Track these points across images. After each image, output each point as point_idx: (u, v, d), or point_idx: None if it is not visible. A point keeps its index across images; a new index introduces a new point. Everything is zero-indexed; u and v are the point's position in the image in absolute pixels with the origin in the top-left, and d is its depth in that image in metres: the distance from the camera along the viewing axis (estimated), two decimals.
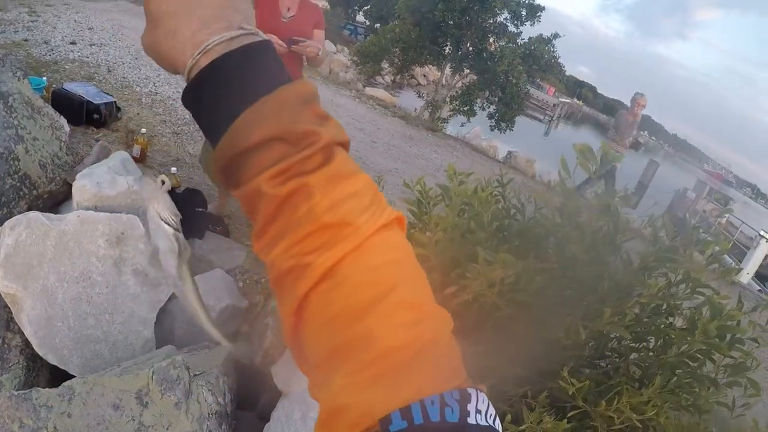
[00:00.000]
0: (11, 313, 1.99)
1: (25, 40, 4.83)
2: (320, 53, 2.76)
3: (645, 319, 1.54)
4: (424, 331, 0.33)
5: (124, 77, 4.57)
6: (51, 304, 1.84)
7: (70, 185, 2.66)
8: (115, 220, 1.95)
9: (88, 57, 4.68)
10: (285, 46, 2.59)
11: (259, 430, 1.69)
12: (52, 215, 1.99)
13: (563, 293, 1.55)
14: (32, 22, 5.71)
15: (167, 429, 1.51)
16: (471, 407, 0.30)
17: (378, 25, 19.26)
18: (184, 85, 0.38)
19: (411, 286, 0.35)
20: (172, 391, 1.56)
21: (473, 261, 1.48)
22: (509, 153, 10.76)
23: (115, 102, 3.56)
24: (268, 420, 1.72)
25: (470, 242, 1.60)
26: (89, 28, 5.54)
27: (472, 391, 0.31)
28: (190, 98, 0.38)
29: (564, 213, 1.61)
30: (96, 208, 2.00)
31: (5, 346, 1.94)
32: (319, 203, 0.33)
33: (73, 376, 1.80)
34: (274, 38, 2.66)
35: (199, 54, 0.36)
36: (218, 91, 0.36)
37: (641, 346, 1.60)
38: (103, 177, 2.11)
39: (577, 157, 1.59)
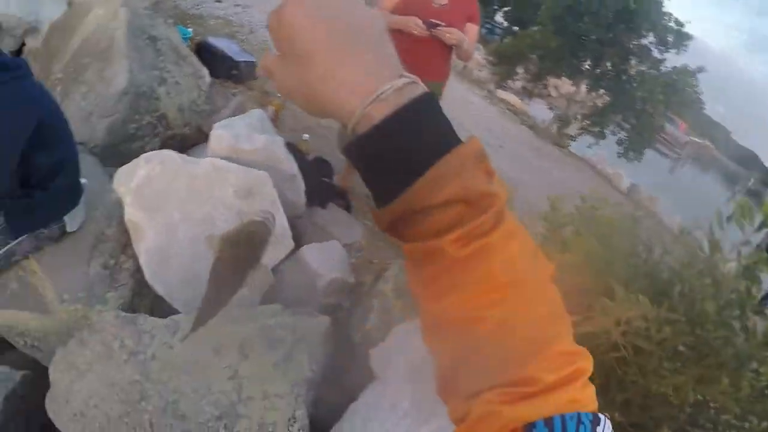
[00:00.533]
0: (130, 239, 2.31)
1: None
2: (465, 45, 2.88)
3: (757, 398, 1.57)
4: (575, 370, 0.41)
5: (264, 40, 5.08)
6: (170, 239, 2.07)
7: (202, 132, 3.01)
8: (246, 174, 2.16)
9: (232, 16, 5.28)
10: (425, 28, 2.73)
11: (341, 406, 1.80)
12: (186, 157, 2.25)
13: (685, 349, 1.64)
14: None
15: (261, 384, 1.66)
16: (599, 429, 0.39)
17: (516, 28, 19.47)
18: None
19: (567, 333, 0.43)
20: (275, 350, 1.70)
21: (605, 294, 1.60)
22: (632, 185, 10.62)
23: (254, 62, 3.95)
24: (353, 398, 1.83)
25: (604, 274, 1.71)
26: None
27: (602, 416, 0.40)
28: (358, 151, 0.41)
29: (701, 265, 1.67)
30: (230, 159, 2.26)
31: (117, 266, 2.22)
32: (495, 264, 0.40)
33: (175, 311, 2.01)
34: (415, 20, 2.83)
35: (370, 105, 0.39)
36: (397, 148, 0.39)
37: (744, 425, 1.62)
38: (242, 131, 2.37)
39: (735, 212, 1.60)
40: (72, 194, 2.22)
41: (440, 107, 0.41)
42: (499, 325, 0.40)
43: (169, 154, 2.17)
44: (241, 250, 1.21)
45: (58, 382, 1.89)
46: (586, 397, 0.41)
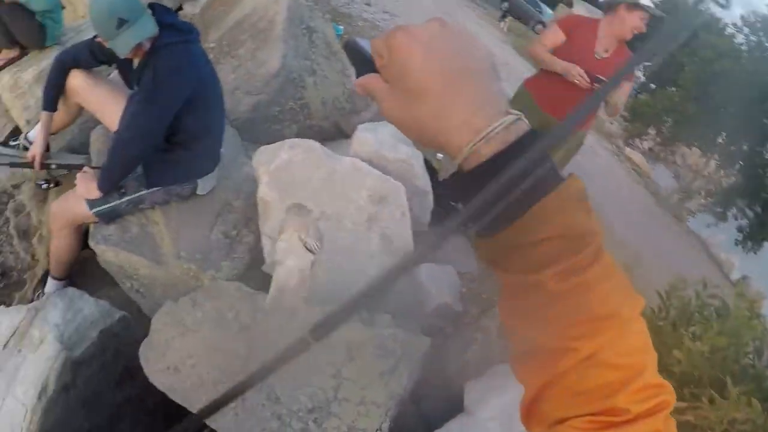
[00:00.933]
0: (254, 214, 2.54)
1: None
2: (618, 103, 3.08)
3: None
4: (661, 402, 0.45)
5: None
6: None
7: (339, 128, 3.25)
8: (383, 181, 2.30)
9: (379, 21, 5.64)
10: (588, 81, 2.88)
11: (417, 429, 1.93)
12: (329, 151, 2.47)
13: None
14: None
15: (361, 389, 1.77)
16: None
17: (653, 85, 19.05)
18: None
19: (653, 365, 0.46)
20: (383, 360, 1.79)
21: (713, 386, 1.68)
22: (743, 277, 10.29)
23: None
24: (436, 426, 1.93)
25: (716, 367, 1.80)
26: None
27: None
28: (464, 185, 0.45)
29: None
30: (370, 162, 2.45)
31: (238, 238, 2.41)
32: (593, 299, 0.44)
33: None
34: (579, 70, 2.97)
35: (479, 142, 0.43)
36: (504, 186, 0.41)
37: None
38: (386, 138, 2.55)
39: None
40: (210, 160, 2.48)
41: (544, 146, 0.43)
42: (591, 355, 0.44)
43: (313, 144, 2.36)
44: None
45: (158, 333, 2.10)
46: (669, 430, 0.46)
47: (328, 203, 2.26)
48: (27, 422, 2.00)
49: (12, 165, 2.70)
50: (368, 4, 6.21)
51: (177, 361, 2.01)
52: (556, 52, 3.06)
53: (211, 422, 1.81)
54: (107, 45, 2.18)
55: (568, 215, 0.44)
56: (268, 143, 2.56)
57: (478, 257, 0.51)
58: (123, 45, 2.14)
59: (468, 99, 0.44)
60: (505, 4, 23.37)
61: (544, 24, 22.37)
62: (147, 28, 2.15)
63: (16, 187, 2.78)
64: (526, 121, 0.46)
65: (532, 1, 25.14)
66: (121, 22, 2.08)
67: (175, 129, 2.28)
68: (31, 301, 2.78)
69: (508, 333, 0.51)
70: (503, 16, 20.46)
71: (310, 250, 2.15)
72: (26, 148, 2.91)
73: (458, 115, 0.44)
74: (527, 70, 12.17)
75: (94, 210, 2.40)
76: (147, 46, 2.22)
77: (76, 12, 4.42)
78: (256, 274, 2.32)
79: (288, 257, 2.14)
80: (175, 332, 2.04)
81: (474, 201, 0.43)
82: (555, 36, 3.10)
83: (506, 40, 16.21)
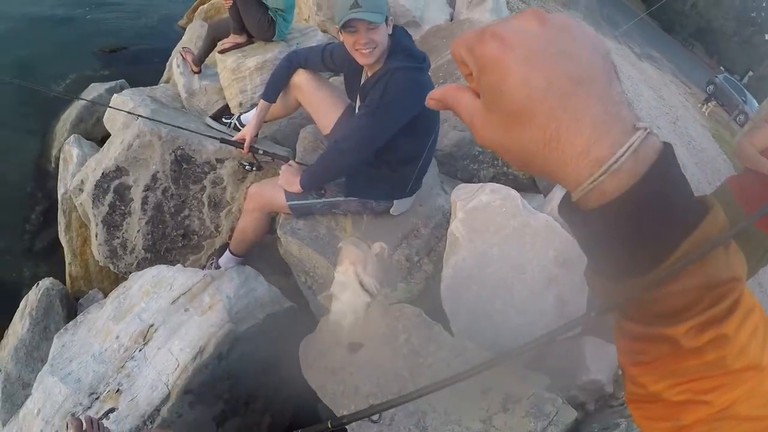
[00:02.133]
0: (438, 245, 2.76)
1: None
2: None
3: None
4: None
5: None
6: (479, 267, 2.40)
7: (534, 181, 3.45)
8: (572, 246, 2.40)
9: None
10: None
11: None
12: (527, 203, 2.65)
13: None
14: None
15: None
16: None
17: None
18: None
19: None
20: (534, 420, 1.88)
21: None
22: None
23: None
24: None
25: None
26: None
27: None
28: (586, 224, 0.43)
29: None
30: (562, 225, 2.60)
31: (418, 264, 2.66)
32: (729, 353, 0.41)
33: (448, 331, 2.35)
34: None
35: (602, 175, 0.39)
36: (634, 230, 0.40)
37: None
38: None
39: None
40: (411, 184, 2.76)
41: (678, 165, 0.41)
42: (723, 409, 0.42)
43: (513, 193, 2.55)
44: None
45: (324, 331, 2.37)
46: None
47: (514, 253, 2.43)
48: (175, 376, 2.32)
49: (222, 141, 3.15)
50: None
51: (336, 364, 2.24)
52: (765, 153, 3.05)
53: None
54: (340, 22, 2.39)
55: (710, 261, 0.41)
56: (463, 180, 2.78)
57: (594, 294, 0.48)
58: (344, 17, 2.36)
59: (585, 120, 0.39)
60: (711, 87, 22.62)
61: (746, 115, 21.44)
62: (374, 18, 2.35)
63: (220, 161, 3.25)
64: (657, 136, 0.41)
65: (738, 89, 24.09)
66: (355, 5, 2.33)
67: (388, 148, 2.56)
68: (203, 267, 3.20)
69: (624, 373, 0.50)
70: (707, 100, 19.70)
71: (367, 291, 2.08)
72: (237, 129, 3.38)
73: (574, 143, 0.39)
74: (723, 161, 11.65)
75: (290, 202, 2.75)
76: (381, 58, 2.49)
77: (300, 14, 5.02)
78: (426, 303, 2.54)
79: (343, 293, 2.10)
80: (342, 337, 2.27)
81: (597, 242, 0.43)
82: (766, 138, 3.08)
83: (706, 126, 15.59)
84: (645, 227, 0.40)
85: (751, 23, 47.73)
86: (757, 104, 22.53)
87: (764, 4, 48.92)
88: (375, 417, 1.03)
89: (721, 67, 38.06)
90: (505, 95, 0.40)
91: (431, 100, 0.49)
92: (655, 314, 0.43)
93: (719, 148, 13.22)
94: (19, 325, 3.19)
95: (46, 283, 3.34)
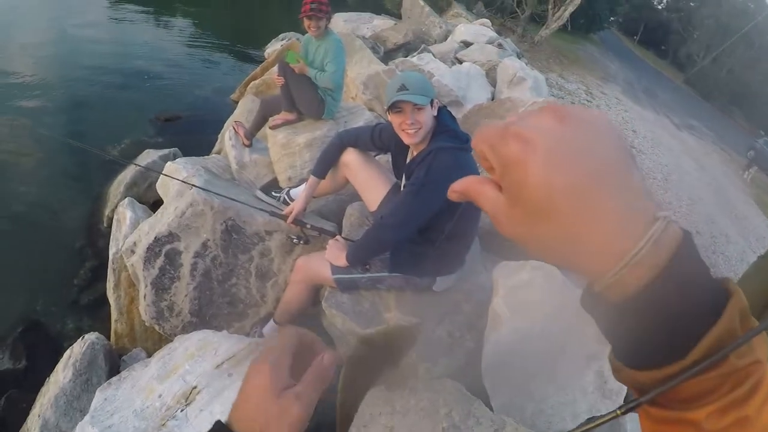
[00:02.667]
0: (494, 321, 2.84)
1: None
2: None
3: None
4: None
5: (649, 191, 5.64)
6: (520, 344, 2.43)
7: None
8: None
9: None
10: None
11: None
12: (567, 281, 2.69)
13: None
14: (588, 101, 7.59)
15: None
16: None
17: None
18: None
19: None
20: None
21: None
22: None
23: None
24: None
25: None
26: (633, 131, 7.03)
27: None
28: (609, 316, 0.44)
29: None
30: None
31: (460, 340, 2.72)
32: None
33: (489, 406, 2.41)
34: None
35: (623, 269, 0.40)
36: (656, 321, 0.41)
37: None
38: None
39: None
40: (454, 262, 2.84)
41: (697, 252, 0.42)
42: None
43: (555, 271, 2.64)
44: (377, 350, 1.29)
45: (367, 406, 2.38)
46: None
47: (555, 330, 2.48)
48: None
49: (271, 214, 3.30)
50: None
51: None
52: None
53: None
54: (388, 103, 2.58)
55: (732, 352, 0.41)
56: (504, 258, 2.85)
57: (615, 377, 0.49)
58: (392, 99, 2.55)
59: (606, 216, 0.40)
60: (751, 153, 22.33)
61: None
62: (419, 101, 2.53)
63: (269, 233, 3.39)
64: (676, 223, 0.41)
65: None
66: (402, 87, 2.52)
67: (431, 226, 2.66)
68: (247, 334, 3.30)
69: None
70: (748, 166, 19.48)
71: None
72: (286, 203, 3.54)
73: (595, 239, 0.40)
74: (767, 227, 11.43)
75: (336, 276, 2.85)
76: (426, 138, 2.65)
77: (348, 93, 5.27)
78: (467, 378, 2.58)
79: None
80: (383, 410, 2.32)
81: (619, 333, 0.44)
82: None
83: (749, 192, 15.40)
84: (666, 321, 0.40)
85: None
86: None
87: None
88: None
89: (761, 131, 37.61)
90: (526, 194, 0.41)
91: (453, 192, 0.50)
92: (677, 399, 0.44)
93: (762, 215, 13.02)
94: (62, 374, 3.27)
95: (92, 336, 3.45)
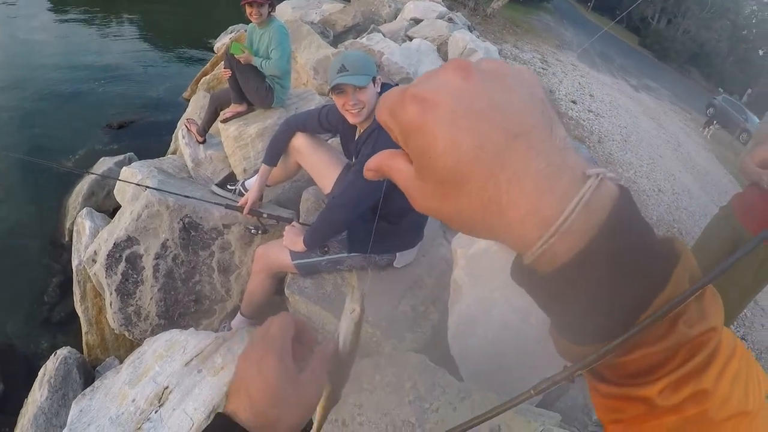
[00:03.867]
0: (442, 294, 2.83)
1: None
2: None
3: None
4: None
5: (610, 153, 5.74)
6: (483, 312, 2.44)
7: None
8: None
9: (584, 121, 6.04)
10: None
11: None
12: None
13: None
14: (543, 69, 7.67)
15: None
16: None
17: None
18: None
19: None
20: None
21: None
22: None
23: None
24: None
25: None
26: (590, 95, 7.13)
27: None
28: (541, 288, 0.39)
29: None
30: None
31: (424, 313, 2.72)
32: (712, 405, 0.38)
33: (458, 378, 2.43)
34: None
35: (552, 237, 0.35)
36: (593, 291, 0.36)
37: None
38: None
39: None
40: (412, 237, 2.85)
41: (638, 211, 0.38)
42: None
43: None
44: None
45: None
46: None
47: (517, 297, 2.50)
48: None
49: (227, 207, 3.28)
50: (574, 102, 6.69)
51: (346, 415, 2.29)
52: (765, 167, 3.10)
53: None
54: (330, 85, 2.58)
55: (682, 318, 0.38)
56: None
57: (561, 355, 0.44)
58: (333, 81, 2.56)
59: (526, 177, 0.35)
60: (710, 110, 22.87)
61: (749, 133, 21.65)
62: (359, 82, 2.54)
63: (227, 227, 3.36)
64: (612, 179, 0.38)
65: (738, 108, 24.36)
66: (342, 69, 2.52)
67: (384, 203, 2.66)
68: (216, 330, 3.28)
69: (605, 428, 0.47)
70: (707, 123, 19.87)
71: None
72: (241, 194, 3.51)
73: (517, 204, 0.35)
74: (729, 182, 11.69)
75: (296, 262, 2.84)
76: (370, 116, 2.65)
77: (299, 79, 5.23)
78: (434, 350, 2.60)
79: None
80: (350, 389, 2.33)
81: (555, 305, 0.40)
82: (765, 153, 3.15)
83: (710, 149, 15.71)
84: (605, 291, 0.36)
85: (743, 41, 48.37)
86: (758, 120, 22.70)
87: (754, 21, 49.65)
88: None
89: (720, 89, 38.37)
90: (433, 162, 0.36)
91: (368, 171, 0.46)
92: (626, 375, 0.41)
93: (724, 170, 13.30)
94: (38, 393, 3.24)
95: (63, 352, 3.41)
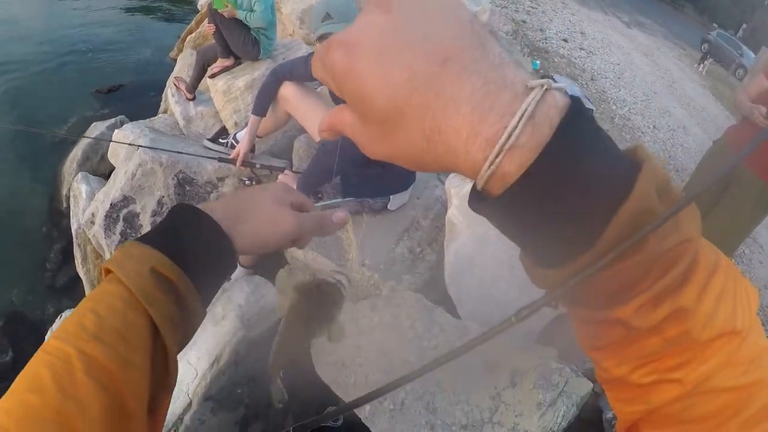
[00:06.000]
0: (439, 235, 2.82)
1: (524, 22, 6.46)
2: None
3: None
4: None
5: (603, 91, 5.69)
6: (479, 250, 2.43)
7: None
8: None
9: (575, 59, 5.96)
10: None
11: None
12: None
13: None
14: (532, 8, 7.51)
15: (516, 416, 1.93)
16: None
17: None
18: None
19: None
20: (543, 391, 1.92)
21: None
22: None
23: (592, 110, 4.48)
24: None
25: None
26: (581, 32, 7.02)
27: None
28: (497, 214, 0.37)
29: None
30: None
31: (421, 255, 2.73)
32: (693, 325, 0.36)
33: (455, 316, 2.39)
34: (763, 110, 2.98)
35: (497, 157, 0.33)
36: (548, 209, 0.34)
37: None
38: None
39: None
40: (404, 179, 2.83)
41: (591, 121, 0.35)
42: (697, 384, 0.38)
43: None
44: (312, 302, 1.28)
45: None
46: None
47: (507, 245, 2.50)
48: (194, 385, 2.42)
49: (219, 160, 3.25)
50: (565, 40, 6.58)
51: (346, 357, 2.30)
52: (761, 100, 3.08)
53: (367, 421, 2.06)
54: (313, 35, 2.54)
55: (651, 234, 0.34)
56: None
57: (533, 281, 0.43)
58: (318, 31, 2.54)
59: (462, 99, 0.34)
60: (705, 46, 22.52)
61: (744, 68, 21.38)
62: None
63: (221, 179, 3.34)
64: (559, 87, 0.35)
65: (733, 43, 23.97)
66: (327, 16, 2.48)
67: None
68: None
69: (591, 358, 0.45)
70: (702, 59, 19.56)
71: None
72: (233, 147, 3.48)
73: (457, 129, 0.34)
74: (726, 118, 11.59)
75: None
76: None
77: (285, 30, 5.13)
78: (433, 291, 2.60)
79: None
80: (349, 331, 2.34)
81: (513, 229, 0.38)
82: (760, 85, 3.12)
83: (705, 85, 15.52)
84: (563, 208, 0.34)
85: None
86: (753, 56, 22.39)
87: None
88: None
89: (714, 24, 37.67)
90: (367, 103, 0.36)
91: (323, 132, 0.44)
92: (599, 295, 0.38)
93: (720, 105, 13.16)
94: None
95: (68, 313, 3.43)
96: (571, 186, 0.33)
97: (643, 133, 5.85)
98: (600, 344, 0.42)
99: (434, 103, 0.34)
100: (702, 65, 18.95)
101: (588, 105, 4.48)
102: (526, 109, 0.33)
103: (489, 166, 0.34)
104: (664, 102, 8.86)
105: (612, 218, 0.34)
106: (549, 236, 0.36)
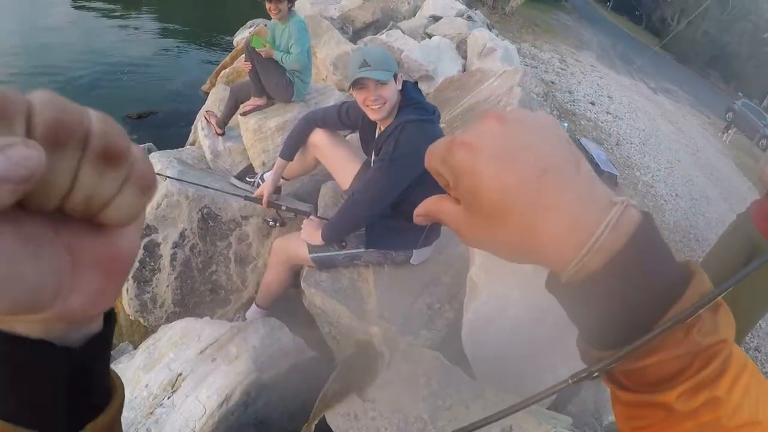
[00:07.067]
0: (458, 292, 2.82)
1: (553, 83, 6.60)
2: None
3: None
4: None
5: (627, 156, 5.74)
6: (499, 312, 2.46)
7: None
8: None
9: (602, 122, 6.05)
10: None
11: None
12: None
13: None
14: (561, 69, 7.68)
15: None
16: None
17: None
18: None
19: None
20: None
21: None
22: None
23: (616, 176, 4.49)
24: None
25: None
26: (609, 96, 7.13)
27: None
28: (572, 296, 0.44)
29: None
30: None
31: (439, 312, 2.72)
32: (725, 413, 0.42)
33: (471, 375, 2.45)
34: None
35: (585, 256, 0.40)
36: (617, 298, 0.41)
37: None
38: None
39: None
40: (429, 234, 2.85)
41: (658, 233, 0.42)
42: None
43: None
44: (363, 357, 1.30)
45: None
46: None
47: (534, 295, 2.50)
48: (202, 422, 2.40)
49: (246, 198, 3.30)
50: (592, 103, 6.71)
51: (358, 409, 2.29)
52: None
53: None
54: (351, 80, 2.56)
55: (696, 329, 0.42)
56: None
57: (584, 362, 0.49)
58: (354, 76, 2.54)
59: (560, 208, 0.40)
60: (730, 115, 22.61)
61: None
62: (381, 77, 2.53)
63: (245, 218, 3.39)
64: (634, 207, 0.42)
65: (757, 113, 23.98)
66: (364, 63, 2.51)
67: (403, 199, 2.66)
68: (230, 320, 3.30)
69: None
70: (726, 128, 19.65)
71: None
72: (260, 186, 3.53)
73: (553, 232, 0.41)
74: (748, 189, 11.57)
75: (313, 255, 2.85)
76: (392, 113, 2.65)
77: (319, 74, 5.26)
78: (449, 349, 2.60)
79: None
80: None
81: (584, 312, 0.45)
82: None
83: (728, 154, 15.55)
84: (626, 301, 0.41)
85: (764, 44, 47.64)
86: None
87: None
88: None
89: (739, 93, 37.90)
90: (481, 199, 0.42)
91: (419, 216, 0.51)
92: (646, 383, 0.45)
93: (743, 176, 13.17)
94: None
95: None
96: (636, 283, 0.41)
97: (665, 201, 5.87)
98: (641, 425, 0.47)
99: (538, 206, 0.40)
100: (726, 134, 19.03)
101: (612, 171, 4.50)
102: (611, 219, 0.40)
103: (576, 263, 0.41)
104: (688, 170, 8.91)
105: (665, 314, 0.41)
106: (609, 321, 0.43)
